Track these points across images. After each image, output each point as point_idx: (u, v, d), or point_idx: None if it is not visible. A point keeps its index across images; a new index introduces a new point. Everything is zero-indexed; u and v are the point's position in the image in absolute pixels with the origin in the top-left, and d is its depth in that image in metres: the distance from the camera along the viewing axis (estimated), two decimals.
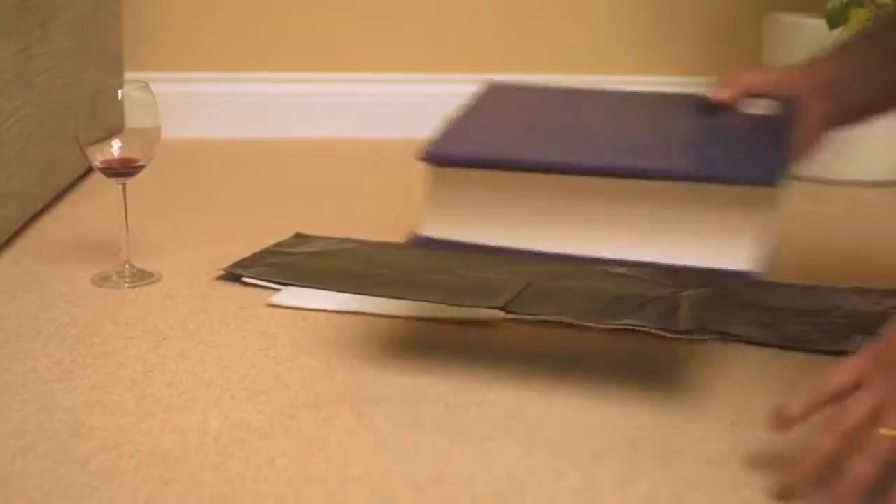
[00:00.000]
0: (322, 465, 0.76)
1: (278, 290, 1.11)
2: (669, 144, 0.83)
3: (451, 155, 0.81)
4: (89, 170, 1.58)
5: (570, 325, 1.04)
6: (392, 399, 0.87)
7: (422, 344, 0.99)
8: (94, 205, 1.48)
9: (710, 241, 0.77)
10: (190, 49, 1.98)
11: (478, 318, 1.04)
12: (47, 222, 1.40)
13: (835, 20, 1.51)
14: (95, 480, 0.73)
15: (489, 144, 0.82)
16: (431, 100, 2.04)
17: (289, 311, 1.07)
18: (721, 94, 0.92)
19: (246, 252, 1.24)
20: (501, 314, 1.05)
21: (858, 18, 1.49)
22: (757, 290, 1.13)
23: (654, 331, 1.02)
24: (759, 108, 0.91)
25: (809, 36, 1.64)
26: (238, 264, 1.19)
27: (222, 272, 1.17)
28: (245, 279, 1.14)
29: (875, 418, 0.67)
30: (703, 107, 0.92)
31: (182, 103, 1.95)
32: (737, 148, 0.82)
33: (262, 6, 1.98)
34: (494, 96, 0.93)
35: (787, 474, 0.70)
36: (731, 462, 0.77)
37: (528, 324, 1.04)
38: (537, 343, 1.00)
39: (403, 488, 0.72)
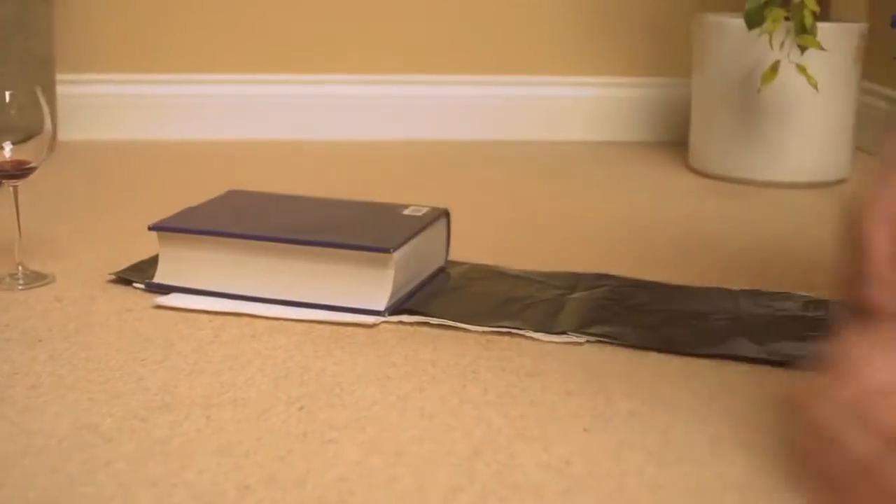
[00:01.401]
0: (158, 468, 0.76)
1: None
2: (336, 227, 1.11)
3: (166, 226, 1.12)
4: None
5: (450, 328, 1.04)
6: (248, 401, 0.87)
7: (295, 345, 0.99)
8: (6, 207, 1.48)
9: (354, 288, 1.06)
10: (124, 51, 1.98)
11: (358, 321, 1.04)
12: None
13: (752, 20, 1.51)
14: None
15: (196, 221, 1.12)
16: (364, 101, 2.04)
17: (174, 312, 1.07)
18: None
19: (149, 255, 1.24)
20: (381, 316, 1.05)
21: (775, 18, 1.49)
22: (650, 292, 1.14)
23: (528, 334, 1.02)
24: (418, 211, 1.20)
25: (733, 36, 1.64)
26: (134, 267, 1.19)
27: (113, 276, 1.17)
28: (135, 284, 1.14)
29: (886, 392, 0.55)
30: (383, 208, 1.20)
31: (115, 105, 1.95)
32: (375, 231, 1.10)
33: (195, 8, 1.98)
34: (227, 197, 1.23)
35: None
36: (573, 468, 0.77)
37: (410, 325, 1.04)
38: (413, 346, 0.99)
39: (232, 491, 0.72)
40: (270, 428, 0.82)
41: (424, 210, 1.18)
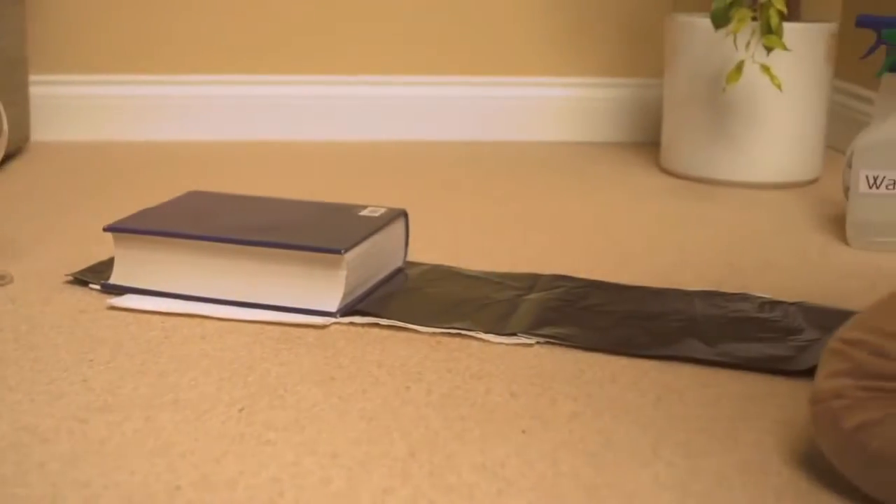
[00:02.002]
0: (92, 469, 0.75)
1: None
2: (290, 228, 1.11)
3: (121, 227, 1.11)
4: None
5: (401, 329, 1.04)
6: (189, 402, 0.86)
7: (244, 346, 0.99)
8: None
9: (307, 288, 1.06)
10: (98, 51, 1.97)
11: (309, 322, 1.04)
12: None
13: (718, 21, 1.51)
14: None
15: (151, 222, 1.12)
16: (336, 102, 2.04)
17: (127, 313, 1.07)
18: None
19: (109, 256, 1.24)
20: (333, 317, 1.05)
21: (741, 18, 1.48)
22: (606, 293, 1.14)
23: (479, 335, 1.01)
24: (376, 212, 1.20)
25: (701, 36, 1.64)
26: (92, 268, 1.19)
27: (70, 277, 1.17)
28: (91, 285, 1.14)
29: None
30: (340, 209, 1.19)
31: (89, 106, 1.95)
32: (330, 231, 1.10)
33: (170, 10, 1.98)
34: (186, 198, 1.23)
35: None
36: (507, 470, 0.77)
37: (361, 326, 1.04)
38: (361, 347, 0.99)
39: (162, 492, 0.72)
40: (208, 429, 0.82)
41: (382, 211, 1.18)
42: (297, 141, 2.04)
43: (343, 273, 1.05)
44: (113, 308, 1.08)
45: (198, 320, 1.05)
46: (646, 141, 2.07)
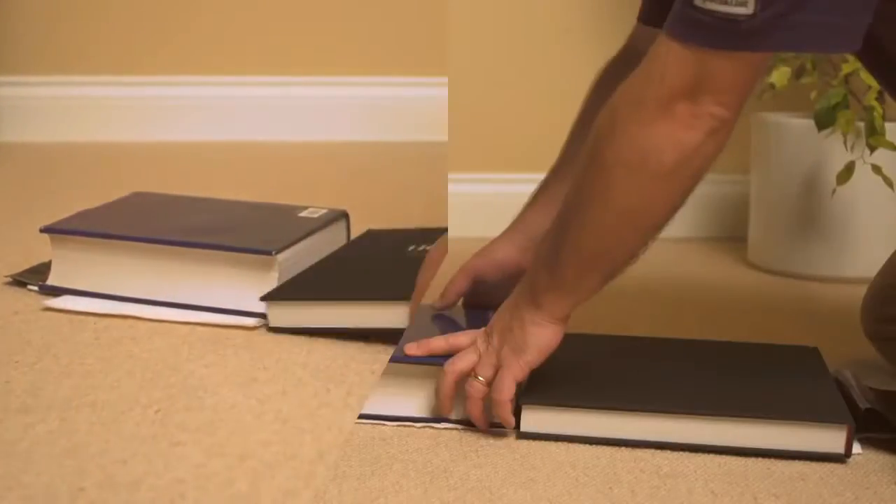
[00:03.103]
0: None
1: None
2: (227, 229, 1.10)
3: (57, 228, 1.12)
4: None
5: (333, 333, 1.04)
6: (108, 403, 0.87)
7: (172, 348, 0.99)
8: None
9: (239, 290, 1.05)
10: (60, 53, 1.98)
11: (239, 323, 1.04)
12: None
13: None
14: None
15: (88, 224, 1.12)
16: (304, 102, 2.05)
17: (61, 314, 1.07)
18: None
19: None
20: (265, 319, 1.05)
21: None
22: None
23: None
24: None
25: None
26: (33, 269, 1.19)
27: (9, 278, 1.17)
28: (29, 287, 1.14)
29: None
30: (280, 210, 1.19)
31: (50, 107, 1.96)
32: (265, 233, 1.10)
33: (128, 10, 1.98)
34: (127, 199, 1.23)
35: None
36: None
37: (290, 327, 1.05)
38: (289, 348, 1.00)
39: (65, 493, 0.72)
40: (122, 430, 0.82)
41: (322, 212, 1.19)
42: (254, 141, 2.04)
43: (274, 274, 1.05)
44: (48, 309, 1.08)
45: (130, 322, 1.06)
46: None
